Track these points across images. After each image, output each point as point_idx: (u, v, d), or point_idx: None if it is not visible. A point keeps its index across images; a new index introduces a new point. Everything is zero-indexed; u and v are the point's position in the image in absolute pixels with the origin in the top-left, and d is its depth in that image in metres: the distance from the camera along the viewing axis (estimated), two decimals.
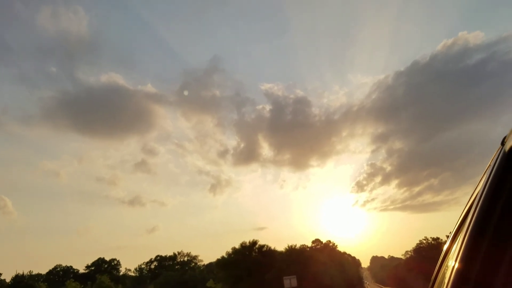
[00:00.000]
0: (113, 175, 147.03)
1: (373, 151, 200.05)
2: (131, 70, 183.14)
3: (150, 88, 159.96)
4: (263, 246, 61.98)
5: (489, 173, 0.91)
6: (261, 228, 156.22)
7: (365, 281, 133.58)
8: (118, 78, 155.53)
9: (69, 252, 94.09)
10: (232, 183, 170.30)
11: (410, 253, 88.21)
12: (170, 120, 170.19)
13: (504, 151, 0.84)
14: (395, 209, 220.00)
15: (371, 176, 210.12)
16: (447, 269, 1.20)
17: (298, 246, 62.90)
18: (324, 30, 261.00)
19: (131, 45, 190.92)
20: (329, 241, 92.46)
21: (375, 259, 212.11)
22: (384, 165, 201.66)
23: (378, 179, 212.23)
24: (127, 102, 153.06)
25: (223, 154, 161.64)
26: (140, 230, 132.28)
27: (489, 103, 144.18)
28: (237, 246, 60.12)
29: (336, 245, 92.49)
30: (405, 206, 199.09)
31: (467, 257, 0.88)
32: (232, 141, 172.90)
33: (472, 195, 1.20)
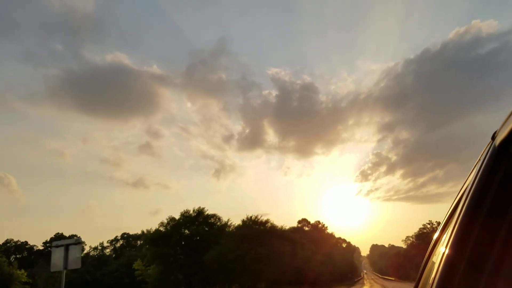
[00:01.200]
0: (117, 157, 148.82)
1: (379, 141, 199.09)
2: (136, 49, 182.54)
3: (155, 69, 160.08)
4: (211, 216, 44.55)
5: (479, 166, 0.94)
6: (264, 214, 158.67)
7: (364, 270, 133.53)
8: (123, 58, 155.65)
9: (68, 230, 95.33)
10: (236, 169, 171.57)
11: (411, 238, 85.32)
12: (175, 103, 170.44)
13: (495, 145, 0.87)
14: (398, 199, 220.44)
15: (376, 165, 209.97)
16: (437, 257, 1.24)
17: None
18: (333, 15, 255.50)
19: (137, 24, 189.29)
20: (318, 221, 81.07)
21: (374, 248, 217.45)
22: (390, 155, 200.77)
23: (383, 168, 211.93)
24: (132, 82, 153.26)
25: (227, 139, 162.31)
26: (143, 212, 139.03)
27: (499, 94, 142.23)
28: None
29: (326, 227, 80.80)
30: (409, 196, 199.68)
31: (458, 245, 0.93)
32: (237, 126, 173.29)
33: (462, 187, 1.24)
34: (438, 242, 1.61)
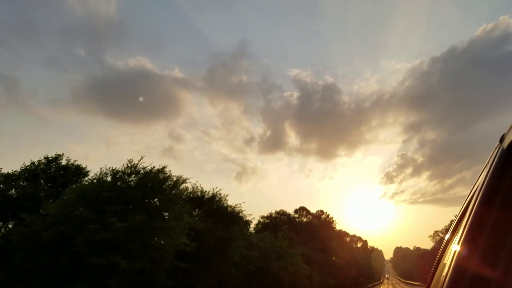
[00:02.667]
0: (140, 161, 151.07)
1: (404, 141, 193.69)
2: (158, 54, 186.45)
3: (177, 73, 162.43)
4: (64, 168, 23.68)
5: (488, 169, 0.97)
6: None
7: (386, 274, 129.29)
8: (145, 62, 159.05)
9: None
10: (258, 172, 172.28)
11: (441, 234, 79.51)
12: (197, 106, 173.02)
13: (503, 148, 0.89)
14: (425, 202, 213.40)
15: (401, 167, 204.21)
16: (448, 258, 1.27)
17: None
18: (356, 14, 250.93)
19: (158, 28, 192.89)
20: (321, 211, 69.53)
21: (398, 250, 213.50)
22: (416, 156, 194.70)
23: (409, 170, 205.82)
24: (154, 87, 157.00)
25: (249, 141, 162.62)
26: None
27: None
28: None
29: (332, 219, 69.33)
30: (435, 199, 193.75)
31: (468, 245, 0.97)
32: (258, 129, 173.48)
33: (471, 189, 1.27)
34: (449, 244, 1.62)
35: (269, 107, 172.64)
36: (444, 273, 1.27)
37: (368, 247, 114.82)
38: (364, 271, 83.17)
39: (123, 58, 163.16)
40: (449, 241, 1.74)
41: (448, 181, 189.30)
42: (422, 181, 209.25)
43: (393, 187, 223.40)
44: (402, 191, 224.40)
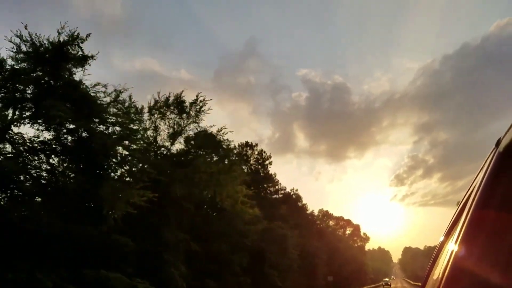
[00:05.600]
0: None
1: (415, 142, 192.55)
2: (165, 54, 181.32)
3: (184, 73, 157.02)
4: None
5: (484, 172, 0.98)
6: None
7: (392, 276, 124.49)
8: (152, 64, 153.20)
9: None
10: None
11: None
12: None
13: (499, 151, 0.89)
14: (436, 204, 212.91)
15: (411, 169, 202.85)
16: (443, 260, 1.28)
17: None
18: (367, 11, 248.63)
19: (165, 27, 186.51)
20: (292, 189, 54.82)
21: (407, 250, 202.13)
22: (427, 157, 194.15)
23: (420, 172, 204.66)
24: (161, 88, 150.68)
25: (258, 144, 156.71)
26: None
27: None
28: None
29: (300, 197, 56.05)
30: (447, 201, 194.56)
31: (464, 246, 0.97)
32: (267, 131, 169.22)
33: (466, 192, 1.27)
34: (444, 245, 1.64)
35: (278, 109, 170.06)
36: (439, 275, 1.29)
37: (362, 234, 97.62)
38: (352, 268, 64.37)
39: (129, 59, 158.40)
40: (444, 242, 1.76)
41: (460, 183, 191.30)
42: (433, 183, 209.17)
43: (404, 189, 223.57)
44: (412, 193, 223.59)
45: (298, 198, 55.28)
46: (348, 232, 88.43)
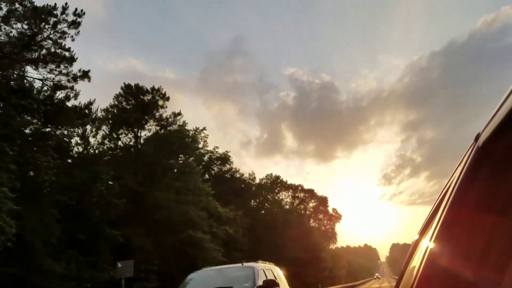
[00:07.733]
0: None
1: (402, 141, 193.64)
2: (149, 53, 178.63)
3: (169, 73, 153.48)
4: None
5: (462, 167, 0.97)
6: None
7: (376, 274, 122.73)
8: (136, 64, 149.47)
9: None
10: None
11: None
12: (190, 110, 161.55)
13: (478, 146, 0.87)
14: (423, 203, 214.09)
15: (399, 168, 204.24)
16: (417, 260, 1.26)
17: None
18: (353, 7, 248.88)
19: (149, 26, 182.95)
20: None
21: (395, 247, 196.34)
22: (414, 156, 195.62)
23: (407, 171, 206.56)
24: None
25: (245, 145, 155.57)
26: None
27: None
28: None
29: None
30: (433, 200, 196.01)
31: (441, 243, 0.96)
32: (254, 131, 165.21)
33: (443, 188, 1.25)
34: (420, 243, 1.63)
35: (265, 108, 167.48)
36: (414, 272, 1.27)
37: (337, 213, 69.13)
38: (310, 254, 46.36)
39: (113, 59, 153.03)
40: (419, 241, 1.75)
41: (446, 181, 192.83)
42: (421, 182, 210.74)
43: (392, 188, 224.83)
44: (400, 193, 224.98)
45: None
46: (311, 206, 65.09)
